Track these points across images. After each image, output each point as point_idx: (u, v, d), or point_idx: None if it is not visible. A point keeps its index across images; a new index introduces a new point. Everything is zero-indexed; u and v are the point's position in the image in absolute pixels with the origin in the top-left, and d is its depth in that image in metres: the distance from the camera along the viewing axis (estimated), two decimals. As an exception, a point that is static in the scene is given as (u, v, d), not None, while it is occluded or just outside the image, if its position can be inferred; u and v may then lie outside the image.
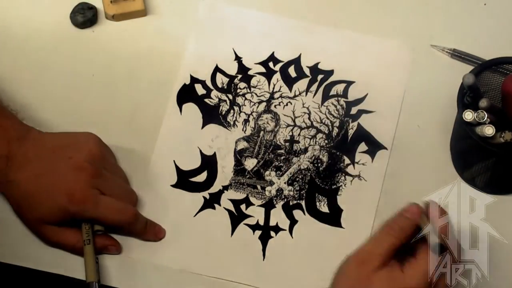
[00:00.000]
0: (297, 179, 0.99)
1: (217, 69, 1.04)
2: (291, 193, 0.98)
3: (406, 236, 0.86)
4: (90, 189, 0.91)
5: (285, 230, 0.97)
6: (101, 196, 0.92)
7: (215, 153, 1.00)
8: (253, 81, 1.04)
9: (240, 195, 0.98)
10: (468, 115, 0.90)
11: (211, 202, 0.98)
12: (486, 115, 0.89)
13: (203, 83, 1.04)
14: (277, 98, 1.03)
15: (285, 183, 0.99)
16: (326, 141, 1.01)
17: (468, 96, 0.91)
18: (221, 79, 1.04)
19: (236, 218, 0.97)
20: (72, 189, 0.91)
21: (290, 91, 1.03)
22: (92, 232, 0.93)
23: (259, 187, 0.99)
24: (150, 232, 0.95)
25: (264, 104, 1.03)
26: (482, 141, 0.90)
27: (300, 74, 1.04)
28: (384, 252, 0.85)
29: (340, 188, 0.98)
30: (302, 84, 1.03)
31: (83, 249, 0.92)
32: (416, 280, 0.84)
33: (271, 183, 0.99)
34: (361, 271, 0.85)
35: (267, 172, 0.99)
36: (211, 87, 1.03)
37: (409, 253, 0.86)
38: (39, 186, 0.91)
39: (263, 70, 1.04)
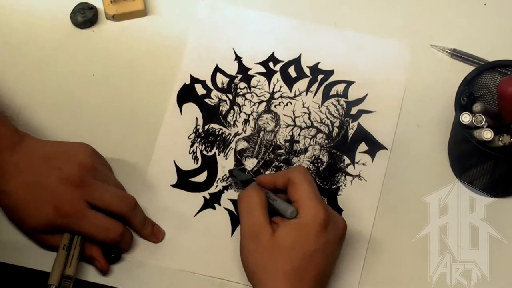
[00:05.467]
0: (297, 179, 0.99)
1: (217, 69, 1.04)
2: (291, 193, 0.98)
3: (262, 191, 0.91)
4: (77, 202, 0.91)
5: None
6: (88, 211, 0.91)
7: (215, 153, 1.00)
8: (253, 81, 1.04)
9: (240, 195, 0.98)
10: (465, 118, 0.90)
11: (211, 202, 0.98)
12: (484, 119, 0.89)
13: (203, 83, 1.04)
14: (277, 98, 1.03)
15: (285, 183, 0.99)
16: (326, 141, 1.00)
17: (464, 96, 0.91)
18: (221, 79, 1.04)
19: (236, 218, 0.97)
20: (59, 201, 0.90)
21: (290, 91, 1.03)
22: (81, 242, 0.92)
23: (259, 187, 0.99)
24: (149, 231, 0.95)
25: (264, 104, 1.03)
26: (480, 144, 0.89)
27: (300, 74, 1.04)
28: (262, 214, 0.89)
29: (340, 188, 0.98)
30: (302, 84, 1.03)
31: (58, 252, 0.90)
32: (316, 218, 0.88)
33: (271, 183, 0.99)
34: (262, 240, 0.88)
35: (267, 172, 0.99)
36: (211, 87, 1.03)
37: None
38: (28, 197, 0.91)
39: (263, 70, 1.04)
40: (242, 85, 1.03)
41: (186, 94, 1.03)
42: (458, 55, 1.03)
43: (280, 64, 1.04)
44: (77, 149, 0.94)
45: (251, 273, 0.88)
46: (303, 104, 1.02)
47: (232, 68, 1.04)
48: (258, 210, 0.89)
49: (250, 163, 1.00)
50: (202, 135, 1.01)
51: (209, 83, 1.04)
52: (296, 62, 1.05)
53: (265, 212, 0.89)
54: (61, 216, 0.90)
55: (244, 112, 1.02)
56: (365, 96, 1.03)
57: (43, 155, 0.93)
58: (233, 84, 1.03)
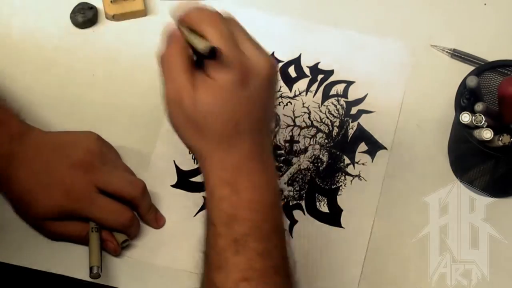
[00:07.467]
0: (297, 179, 0.99)
1: (217, 69, 1.04)
2: (291, 193, 0.98)
3: (182, 45, 0.81)
4: (86, 187, 0.92)
5: (285, 230, 0.96)
6: (97, 195, 0.92)
7: (215, 153, 1.00)
8: (253, 81, 1.04)
9: (240, 195, 0.98)
10: (465, 117, 0.90)
11: (211, 202, 0.98)
12: (484, 119, 0.89)
13: (203, 83, 1.04)
14: (277, 98, 1.03)
15: (285, 183, 0.99)
16: (326, 141, 1.01)
17: (464, 98, 0.91)
18: (221, 79, 1.04)
19: (236, 218, 0.97)
20: (69, 187, 0.91)
21: (290, 91, 1.03)
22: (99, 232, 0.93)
23: (259, 187, 0.99)
24: (152, 216, 0.95)
25: (264, 104, 1.02)
26: (480, 144, 0.89)
27: (300, 74, 1.04)
28: (185, 77, 0.79)
29: (340, 188, 0.98)
30: (302, 84, 1.03)
31: (89, 236, 0.92)
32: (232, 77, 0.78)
33: (271, 183, 0.99)
34: (185, 104, 0.79)
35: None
36: (211, 87, 1.03)
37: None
38: (38, 183, 0.92)
39: (263, 70, 1.04)
40: (242, 85, 1.03)
41: (186, 94, 1.03)
42: (458, 55, 1.03)
43: (280, 64, 1.04)
44: (83, 137, 0.96)
45: (182, 139, 0.82)
46: (303, 104, 1.02)
47: (232, 68, 1.04)
48: (180, 72, 0.79)
49: (250, 163, 1.00)
50: (202, 135, 1.01)
51: (209, 83, 1.03)
52: (296, 62, 1.05)
53: (188, 73, 0.79)
54: (72, 201, 0.91)
55: (244, 112, 1.02)
56: (365, 96, 1.03)
57: (51, 144, 0.94)
58: (233, 84, 1.03)
